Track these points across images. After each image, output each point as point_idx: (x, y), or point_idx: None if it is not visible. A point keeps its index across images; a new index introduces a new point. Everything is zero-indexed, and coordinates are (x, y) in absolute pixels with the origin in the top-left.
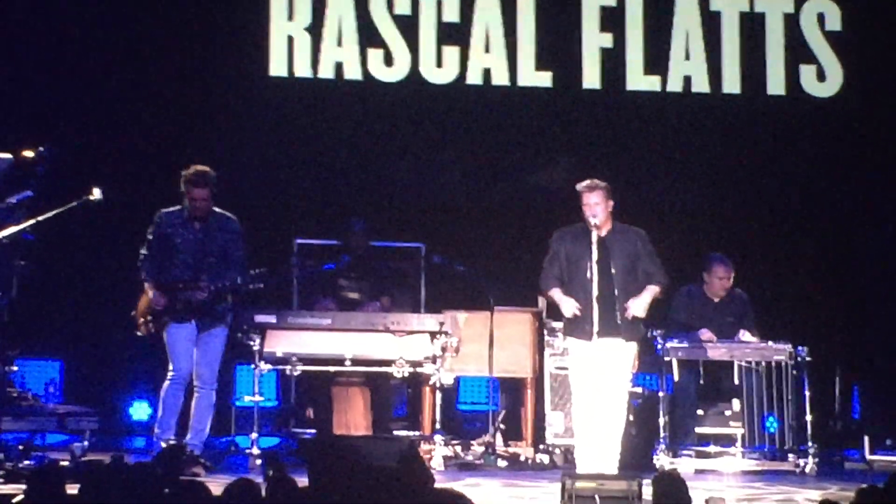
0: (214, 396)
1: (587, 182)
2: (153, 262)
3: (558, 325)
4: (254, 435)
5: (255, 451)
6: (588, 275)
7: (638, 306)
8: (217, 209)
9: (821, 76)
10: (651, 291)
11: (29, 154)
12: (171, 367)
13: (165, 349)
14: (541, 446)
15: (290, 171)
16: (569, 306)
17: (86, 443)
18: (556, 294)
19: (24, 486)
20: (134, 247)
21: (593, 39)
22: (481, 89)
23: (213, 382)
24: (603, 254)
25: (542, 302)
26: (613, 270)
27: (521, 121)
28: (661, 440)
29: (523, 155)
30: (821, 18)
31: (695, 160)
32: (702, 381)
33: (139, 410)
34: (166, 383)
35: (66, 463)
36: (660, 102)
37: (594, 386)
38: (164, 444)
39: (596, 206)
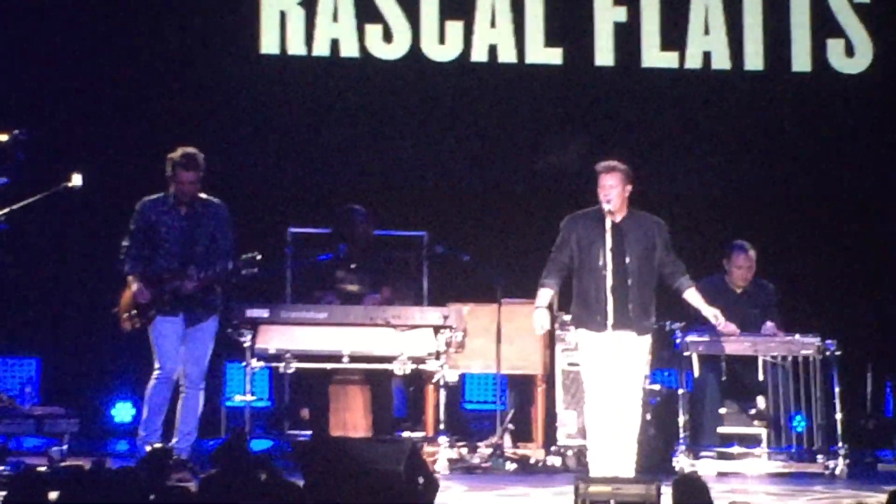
0: (203, 396)
1: (605, 163)
2: (137, 255)
3: (570, 317)
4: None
5: None
6: (601, 262)
7: (711, 312)
8: (203, 195)
9: (849, 51)
10: (697, 294)
11: (2, 138)
12: (156, 365)
13: (150, 346)
14: (552, 448)
15: (283, 155)
16: (539, 321)
17: (65, 447)
18: (543, 297)
19: (1, 494)
20: (116, 236)
21: (606, 13)
22: (487, 67)
23: (201, 381)
24: (617, 241)
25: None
26: (628, 259)
27: (530, 101)
28: (681, 441)
29: (532, 137)
30: None
31: (715, 142)
32: (724, 378)
33: (122, 412)
34: (152, 382)
35: (44, 468)
36: (677, 80)
37: (608, 382)
38: (148, 448)
39: (611, 190)
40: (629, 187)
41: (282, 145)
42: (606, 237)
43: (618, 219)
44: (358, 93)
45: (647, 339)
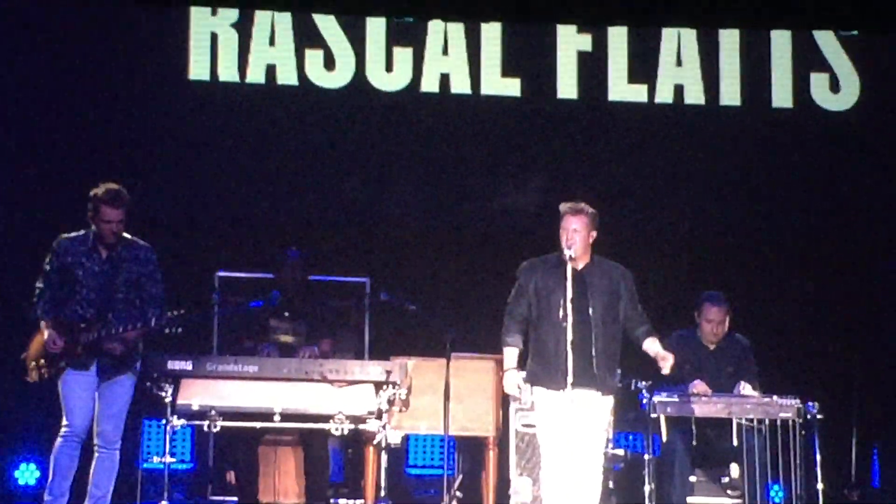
0: (118, 457)
1: (572, 203)
2: (51, 298)
3: (524, 374)
4: (164, 503)
5: None
6: (561, 314)
7: (667, 361)
8: (127, 235)
9: (834, 86)
10: (657, 342)
11: None
12: (64, 422)
13: (59, 400)
14: None
15: (212, 191)
16: (510, 382)
17: None
18: (510, 357)
19: None
20: (28, 276)
21: (570, 41)
22: (438, 98)
23: (116, 441)
24: (579, 290)
25: None
26: (591, 311)
27: (485, 135)
28: None
29: (487, 175)
30: None
31: (687, 183)
32: (695, 443)
33: (26, 474)
34: (59, 441)
35: None
36: (647, 116)
37: (567, 446)
38: None
39: (575, 234)
40: (594, 234)
41: (210, 180)
42: (567, 286)
43: (580, 266)
44: (296, 124)
45: (610, 400)
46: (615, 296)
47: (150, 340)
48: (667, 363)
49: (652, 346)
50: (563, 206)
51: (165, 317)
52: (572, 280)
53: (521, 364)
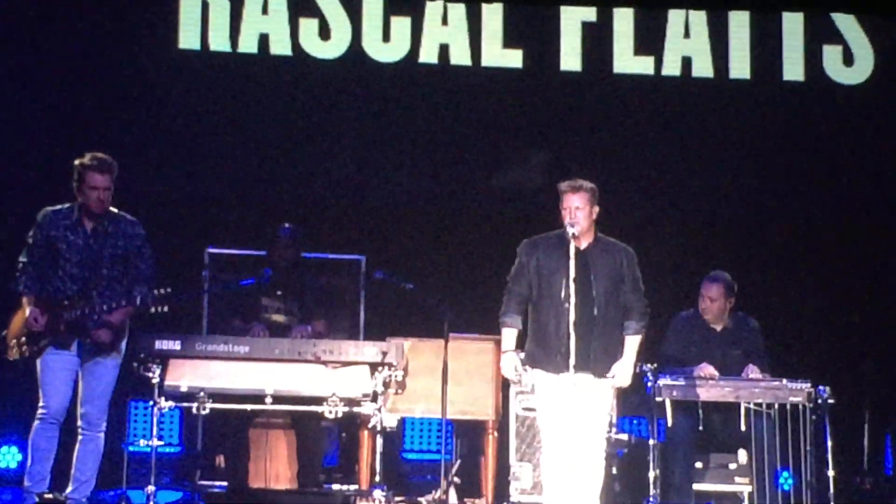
0: (102, 440)
1: (570, 181)
2: (35, 273)
3: (521, 353)
4: (150, 488)
5: None
6: (563, 294)
7: (624, 373)
8: (114, 209)
9: (848, 59)
10: (634, 345)
11: None
12: (41, 403)
13: (37, 380)
14: None
15: (202, 165)
16: (508, 365)
17: None
18: (508, 338)
19: None
20: (12, 250)
21: (574, 12)
22: (437, 69)
23: (100, 423)
24: (582, 270)
25: None
26: (594, 291)
27: (485, 109)
28: (651, 499)
29: (487, 150)
30: None
31: (695, 159)
32: (701, 428)
33: (6, 457)
34: (35, 423)
35: None
36: (653, 89)
37: (568, 430)
38: (37, 499)
39: (577, 212)
40: (596, 209)
41: (200, 154)
42: (570, 265)
43: (583, 245)
44: (289, 96)
45: (611, 383)
46: (618, 276)
47: (137, 319)
48: (617, 381)
49: (626, 348)
50: (562, 185)
51: (152, 296)
52: (575, 259)
53: (521, 345)
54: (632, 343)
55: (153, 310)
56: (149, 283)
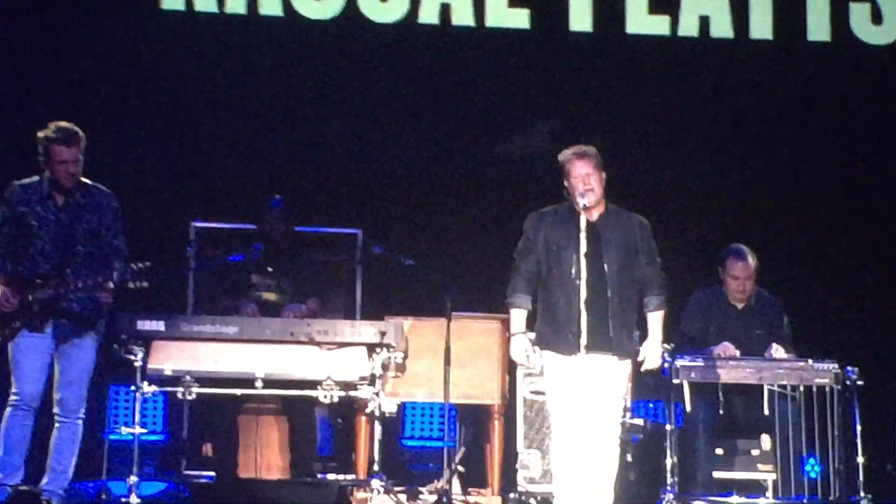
0: (81, 428)
1: (573, 148)
2: (5, 252)
3: (531, 334)
4: (132, 479)
5: (134, 499)
6: (573, 270)
7: (654, 354)
8: (87, 181)
9: (876, 17)
10: (659, 322)
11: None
12: (13, 389)
13: (9, 365)
14: (511, 495)
15: (187, 133)
16: (518, 348)
17: None
18: (518, 320)
19: None
20: None
21: None
22: (438, 31)
23: (78, 410)
24: (594, 244)
25: None
26: (606, 266)
27: (490, 72)
28: (669, 488)
29: (492, 116)
30: None
31: (713, 125)
32: (721, 412)
33: None
34: (7, 411)
35: None
36: (668, 50)
37: (580, 415)
38: (10, 491)
39: (590, 178)
40: (604, 175)
41: (185, 121)
42: (581, 240)
43: (594, 216)
44: (280, 59)
45: (628, 364)
46: (632, 249)
47: (117, 297)
48: (647, 363)
49: (651, 325)
50: (565, 154)
51: (130, 270)
52: (586, 233)
53: (531, 326)
54: (655, 320)
55: (131, 285)
56: (124, 259)
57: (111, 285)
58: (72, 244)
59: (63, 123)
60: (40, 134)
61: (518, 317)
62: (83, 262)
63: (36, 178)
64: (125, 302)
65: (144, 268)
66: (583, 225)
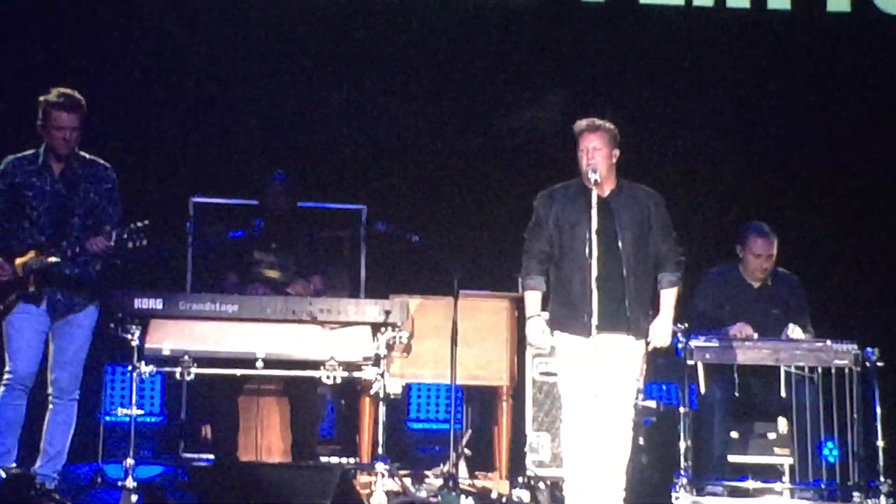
0: (75, 409)
1: (587, 120)
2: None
3: (546, 315)
4: (129, 462)
5: (130, 483)
6: (586, 248)
7: (663, 331)
8: (84, 154)
9: None
10: (671, 299)
11: None
12: (7, 367)
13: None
14: (520, 479)
15: (185, 106)
16: (536, 333)
17: None
18: (533, 302)
19: None
20: None
21: None
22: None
23: (73, 391)
24: (606, 220)
25: None
26: (620, 243)
27: (497, 43)
28: (682, 472)
29: (500, 88)
30: None
31: (730, 98)
32: (737, 394)
33: None
34: (0, 389)
35: None
36: (684, 21)
37: (591, 397)
38: (2, 474)
39: (596, 153)
40: (616, 152)
41: (183, 93)
42: (592, 215)
43: (605, 192)
44: (279, 27)
45: (643, 345)
46: (645, 225)
47: (115, 274)
48: (655, 340)
49: (664, 301)
50: (579, 125)
51: (129, 229)
52: (597, 209)
53: (545, 307)
54: (668, 297)
55: (130, 245)
56: (118, 226)
57: (111, 235)
58: (68, 216)
59: (66, 90)
60: (42, 98)
61: (533, 299)
62: (80, 235)
63: (31, 150)
64: (123, 279)
65: (144, 226)
66: (594, 201)
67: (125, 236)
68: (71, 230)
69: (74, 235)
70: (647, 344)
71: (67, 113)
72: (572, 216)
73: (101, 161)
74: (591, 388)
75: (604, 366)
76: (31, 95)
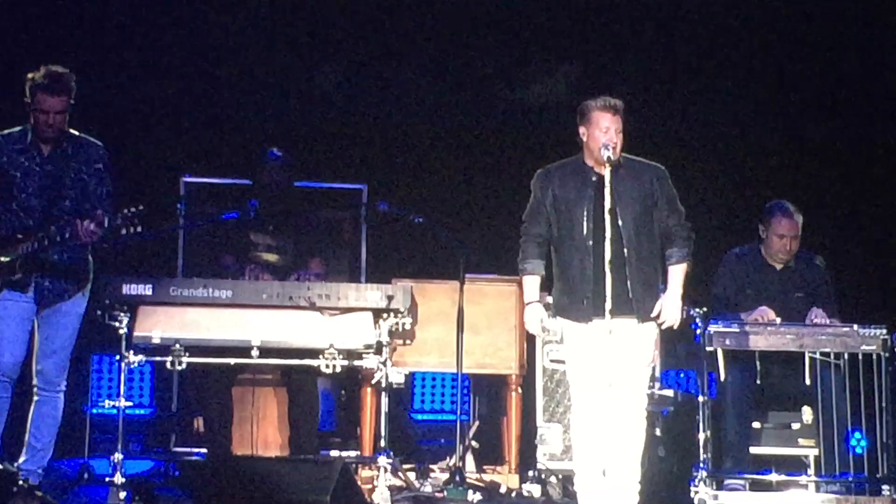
0: (62, 401)
1: (605, 99)
2: None
3: (548, 299)
4: (117, 456)
5: (119, 479)
6: (585, 229)
7: (672, 309)
8: (74, 132)
9: None
10: (680, 276)
11: None
12: None
13: None
14: (530, 473)
15: (176, 81)
16: (533, 318)
17: None
18: (531, 287)
19: None
20: None
21: None
22: None
23: (59, 382)
24: (606, 199)
25: None
26: (622, 222)
27: (504, 13)
28: (702, 464)
29: (505, 61)
30: None
31: (745, 73)
32: (759, 381)
33: None
34: None
35: None
36: None
37: (602, 386)
38: None
39: (618, 135)
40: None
41: (174, 69)
42: (591, 195)
43: (605, 170)
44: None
45: (653, 328)
46: (649, 201)
47: (102, 259)
48: (664, 318)
49: (672, 278)
50: (594, 103)
51: (121, 214)
52: (597, 187)
53: (546, 292)
54: (677, 273)
55: (124, 231)
56: (109, 208)
57: (104, 221)
58: (58, 198)
59: (55, 68)
60: (28, 75)
61: (531, 284)
62: (70, 218)
63: (18, 127)
64: (110, 264)
65: (137, 212)
66: (593, 179)
67: (119, 222)
68: (60, 213)
69: (65, 219)
70: (660, 326)
71: (51, 96)
72: (570, 196)
73: (93, 140)
74: (602, 376)
75: (613, 352)
76: (19, 70)
